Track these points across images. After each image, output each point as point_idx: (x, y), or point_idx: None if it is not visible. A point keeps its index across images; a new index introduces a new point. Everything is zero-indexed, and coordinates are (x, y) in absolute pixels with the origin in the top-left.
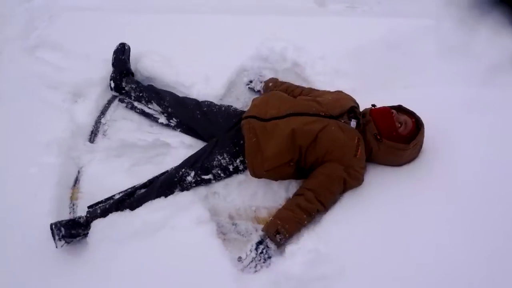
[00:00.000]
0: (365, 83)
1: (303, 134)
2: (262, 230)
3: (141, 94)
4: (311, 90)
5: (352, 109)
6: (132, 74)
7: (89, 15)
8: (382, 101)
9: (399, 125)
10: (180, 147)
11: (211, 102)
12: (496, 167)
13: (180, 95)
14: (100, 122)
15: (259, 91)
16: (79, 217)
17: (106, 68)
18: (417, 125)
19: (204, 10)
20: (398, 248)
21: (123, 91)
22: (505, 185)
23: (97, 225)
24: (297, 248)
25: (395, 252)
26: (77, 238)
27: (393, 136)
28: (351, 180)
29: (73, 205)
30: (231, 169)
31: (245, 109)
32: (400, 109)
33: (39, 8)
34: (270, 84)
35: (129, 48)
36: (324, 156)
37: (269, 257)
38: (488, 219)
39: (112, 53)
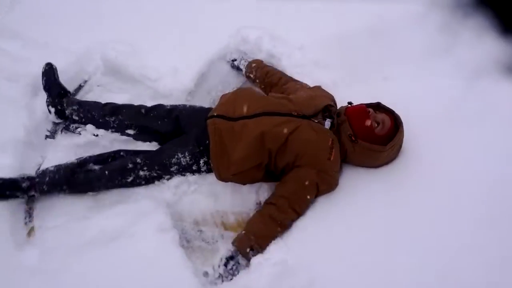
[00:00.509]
0: (347, 75)
1: (272, 137)
2: (234, 245)
3: (87, 115)
4: (290, 80)
5: (326, 108)
6: (70, 93)
7: (52, 0)
8: (363, 94)
9: (376, 124)
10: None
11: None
12: (477, 167)
13: (146, 90)
14: None
15: (241, 69)
16: (22, 178)
17: (67, 59)
18: (396, 124)
19: None
20: (373, 257)
21: (66, 115)
22: (486, 184)
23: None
24: (264, 259)
25: (370, 260)
26: (9, 200)
27: (369, 136)
28: (323, 186)
29: (30, 209)
30: (189, 171)
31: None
32: (378, 106)
33: None
34: (253, 65)
35: (55, 67)
36: (295, 160)
37: (237, 273)
38: (471, 220)
39: (42, 74)
